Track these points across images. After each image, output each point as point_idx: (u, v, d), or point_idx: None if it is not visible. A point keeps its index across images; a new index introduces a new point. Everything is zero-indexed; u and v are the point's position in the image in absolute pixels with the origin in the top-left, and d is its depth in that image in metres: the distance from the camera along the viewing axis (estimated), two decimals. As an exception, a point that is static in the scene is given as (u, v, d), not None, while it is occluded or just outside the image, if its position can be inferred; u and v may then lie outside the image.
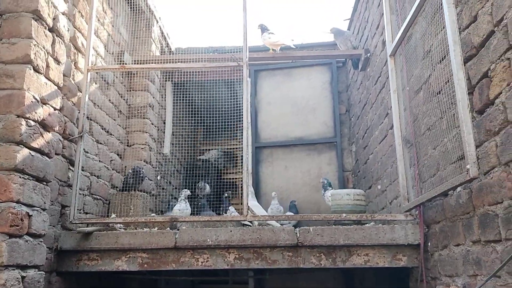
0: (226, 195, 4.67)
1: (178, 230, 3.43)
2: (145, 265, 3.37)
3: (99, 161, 4.17)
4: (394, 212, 3.84)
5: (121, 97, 4.78)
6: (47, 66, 2.86)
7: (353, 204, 4.12)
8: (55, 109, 2.96)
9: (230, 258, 3.36)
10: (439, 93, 2.81)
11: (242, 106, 3.68)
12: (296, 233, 3.31)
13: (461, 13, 2.48)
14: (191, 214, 4.55)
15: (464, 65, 2.41)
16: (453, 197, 2.65)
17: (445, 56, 2.66)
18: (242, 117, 3.65)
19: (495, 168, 2.15)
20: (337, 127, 6.17)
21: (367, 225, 3.43)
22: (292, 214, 5.04)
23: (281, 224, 4.17)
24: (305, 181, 6.09)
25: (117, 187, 4.53)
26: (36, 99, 2.71)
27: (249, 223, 4.05)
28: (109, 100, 4.46)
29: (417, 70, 3.25)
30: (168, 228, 3.61)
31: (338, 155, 6.08)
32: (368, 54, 4.89)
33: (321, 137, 6.20)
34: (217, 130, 6.09)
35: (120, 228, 3.63)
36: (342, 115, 6.32)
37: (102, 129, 4.25)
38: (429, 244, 3.10)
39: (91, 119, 4.00)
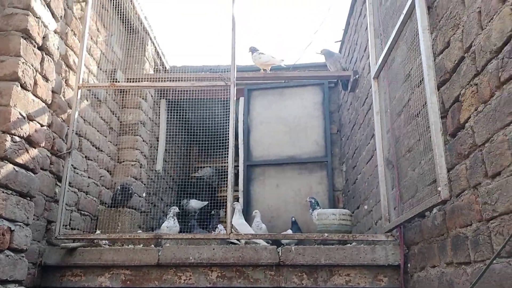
0: (213, 212, 4.69)
1: (162, 247, 3.46)
2: (128, 282, 3.39)
3: (88, 177, 4.22)
4: (378, 232, 3.86)
5: (113, 114, 4.85)
6: (35, 83, 2.93)
7: (339, 224, 4.15)
8: (42, 125, 3.01)
9: (213, 277, 3.37)
10: (417, 116, 2.87)
11: (233, 125, 3.73)
12: (278, 252, 3.33)
13: (436, 38, 2.55)
14: (180, 231, 4.57)
15: (438, 89, 2.48)
16: (429, 218, 2.69)
17: (422, 80, 2.73)
18: (232, 136, 3.70)
19: (465, 190, 2.19)
20: (328, 147, 6.22)
21: (349, 245, 3.45)
22: (291, 232, 4.89)
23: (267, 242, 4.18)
24: (296, 200, 6.11)
25: (106, 203, 4.57)
26: (22, 115, 2.77)
27: (237, 241, 4.07)
28: (101, 117, 4.52)
29: (399, 93, 3.32)
30: (153, 245, 3.62)
31: (329, 174, 6.11)
32: (357, 76, 4.97)
33: (313, 157, 6.24)
34: (211, 148, 6.15)
35: (105, 245, 3.66)
36: (333, 134, 6.37)
37: (92, 145, 4.30)
38: (409, 265, 3.12)
39: (81, 136, 4.06)
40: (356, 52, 5.13)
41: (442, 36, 2.47)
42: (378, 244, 3.41)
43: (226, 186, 7.39)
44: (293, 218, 4.93)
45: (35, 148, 2.93)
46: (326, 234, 3.62)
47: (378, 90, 3.57)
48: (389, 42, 3.14)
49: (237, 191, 6.56)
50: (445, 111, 2.44)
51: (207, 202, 6.05)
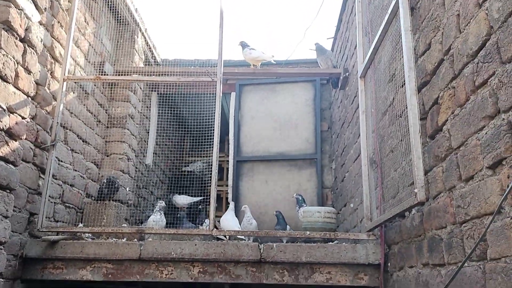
0: (200, 207, 4.68)
1: (144, 241, 3.46)
2: (110, 276, 3.39)
3: (74, 169, 4.20)
4: (362, 231, 3.87)
5: (101, 106, 4.83)
6: (17, 75, 2.91)
7: (323, 221, 4.16)
8: (23, 118, 3.00)
9: (194, 272, 3.38)
10: (400, 116, 2.86)
11: (218, 122, 3.72)
12: (260, 249, 3.34)
13: (419, 40, 2.55)
14: (168, 224, 4.56)
15: (420, 91, 2.48)
16: (408, 219, 2.70)
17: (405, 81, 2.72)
18: (217, 133, 3.69)
19: (441, 193, 2.20)
20: (318, 144, 6.21)
21: (330, 243, 3.46)
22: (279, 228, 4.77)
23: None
24: (284, 197, 6.10)
25: (92, 196, 4.56)
26: (2, 107, 2.75)
27: (223, 237, 4.08)
28: (88, 109, 4.50)
29: (384, 92, 3.31)
30: (136, 240, 3.62)
31: (318, 171, 6.12)
32: (347, 74, 4.96)
33: (302, 153, 6.24)
34: (202, 142, 6.13)
35: (88, 238, 3.65)
36: (324, 132, 6.37)
37: (79, 138, 4.29)
38: (389, 264, 3.13)
39: (66, 128, 4.04)
40: (347, 49, 5.12)
41: (424, 38, 2.46)
42: (360, 242, 3.42)
43: (218, 180, 7.44)
44: (277, 212, 4.81)
45: (15, 140, 2.91)
46: (308, 232, 3.62)
47: (365, 89, 3.57)
48: (375, 41, 3.13)
49: (227, 186, 6.58)
50: (425, 113, 2.44)
51: (198, 199, 6.01)
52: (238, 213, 5.30)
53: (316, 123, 6.28)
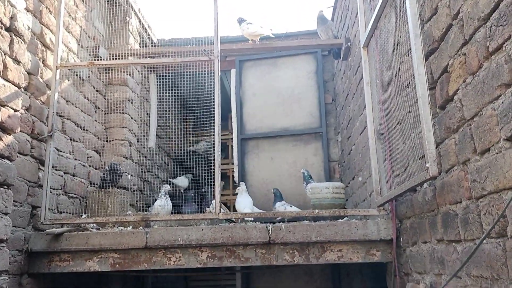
0: (204, 190, 4.60)
1: (150, 229, 3.39)
2: (117, 265, 3.34)
3: (74, 159, 4.12)
4: (372, 204, 3.78)
5: (98, 92, 4.71)
6: (5, 67, 2.79)
7: (332, 197, 4.07)
8: (15, 110, 2.89)
9: (203, 257, 3.32)
10: (407, 87, 2.73)
11: (218, 101, 3.60)
12: (269, 231, 3.26)
13: (424, 4, 2.39)
14: (173, 209, 4.49)
15: (427, 59, 2.35)
16: (420, 193, 2.60)
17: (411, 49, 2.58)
18: (218, 112, 3.58)
19: (455, 166, 2.09)
20: (322, 117, 6.08)
21: (340, 220, 3.38)
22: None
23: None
24: (291, 173, 6.02)
25: (96, 184, 4.49)
26: (-8, 102, 2.65)
27: (233, 220, 4.00)
28: (85, 96, 4.39)
29: (389, 62, 3.16)
30: (141, 227, 3.56)
31: (324, 145, 6.00)
32: (349, 44, 4.79)
33: (307, 128, 6.12)
34: (205, 121, 6.01)
35: (93, 228, 3.60)
36: (328, 104, 6.22)
37: (77, 126, 4.19)
38: (401, 239, 3.05)
39: (63, 117, 3.94)
40: (348, 18, 4.93)
41: (429, 2, 2.31)
42: (371, 218, 3.34)
43: (223, 159, 7.33)
44: (274, 190, 4.65)
45: (9, 134, 2.82)
46: (317, 211, 3.53)
47: (368, 59, 3.42)
48: (377, 9, 2.97)
49: (233, 164, 6.49)
50: (433, 82, 2.31)
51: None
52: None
53: (319, 96, 6.14)
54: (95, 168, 4.56)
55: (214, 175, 3.39)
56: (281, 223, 3.34)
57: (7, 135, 2.78)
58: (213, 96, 3.57)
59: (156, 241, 3.29)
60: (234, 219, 3.98)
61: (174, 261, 3.31)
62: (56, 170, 3.74)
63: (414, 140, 2.65)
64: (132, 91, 5.16)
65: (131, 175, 4.90)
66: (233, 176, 6.82)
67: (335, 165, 6.04)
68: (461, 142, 1.99)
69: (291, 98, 6.23)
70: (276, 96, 6.28)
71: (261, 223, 3.51)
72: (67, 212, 3.94)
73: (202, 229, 3.30)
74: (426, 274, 2.56)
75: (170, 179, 5.94)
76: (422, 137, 2.27)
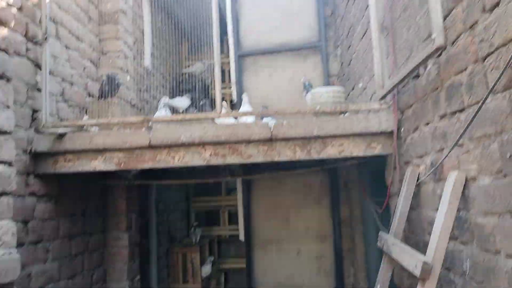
0: (201, 103, 4.59)
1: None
2: (122, 164, 3.38)
3: (71, 67, 4.06)
4: (373, 104, 3.79)
5: (90, 2, 4.55)
6: (-7, -46, 2.66)
7: (333, 101, 4.07)
8: (8, 4, 2.79)
9: (206, 155, 3.36)
10: (413, -32, 2.64)
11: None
12: (270, 127, 3.28)
13: None
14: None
15: None
16: (423, 76, 2.58)
17: None
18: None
19: (461, 34, 2.05)
20: (322, 31, 5.96)
21: (341, 115, 3.39)
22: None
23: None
24: (289, 89, 5.98)
25: (94, 96, 4.45)
26: (-17, -11, 2.55)
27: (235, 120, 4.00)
28: (77, 4, 4.24)
29: None
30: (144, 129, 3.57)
31: (323, 59, 5.93)
32: None
33: (306, 42, 6.01)
34: (201, 41, 5.87)
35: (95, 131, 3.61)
36: (327, 17, 6.07)
37: (70, 34, 4.08)
38: (402, 129, 3.08)
39: (57, 22, 3.83)
40: None
41: None
42: (371, 112, 3.35)
43: (222, 83, 7.27)
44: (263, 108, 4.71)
45: (4, 27, 2.74)
46: (318, 107, 3.54)
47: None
48: None
49: (230, 88, 6.43)
50: (442, -48, 2.22)
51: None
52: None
53: (319, 8, 5.97)
54: (93, 80, 4.50)
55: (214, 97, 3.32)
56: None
57: (2, 27, 2.70)
58: (210, 14, 3.48)
59: (159, 140, 3.31)
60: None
61: (178, 159, 3.36)
62: (53, 76, 3.69)
63: (419, 22, 2.60)
64: (125, 3, 4.99)
65: (128, 87, 4.86)
66: (231, 101, 6.77)
67: (334, 80, 6.00)
68: (469, 6, 1.94)
69: (290, 11, 6.06)
70: (274, 10, 6.11)
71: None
72: (67, 119, 3.93)
73: (205, 127, 3.32)
74: (427, 156, 2.60)
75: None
76: (428, 10, 2.23)
